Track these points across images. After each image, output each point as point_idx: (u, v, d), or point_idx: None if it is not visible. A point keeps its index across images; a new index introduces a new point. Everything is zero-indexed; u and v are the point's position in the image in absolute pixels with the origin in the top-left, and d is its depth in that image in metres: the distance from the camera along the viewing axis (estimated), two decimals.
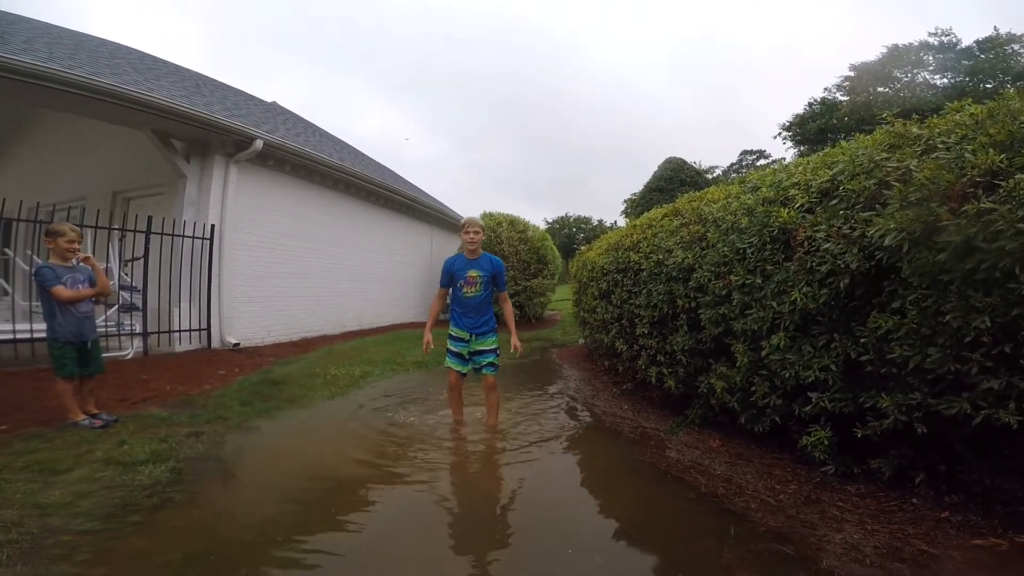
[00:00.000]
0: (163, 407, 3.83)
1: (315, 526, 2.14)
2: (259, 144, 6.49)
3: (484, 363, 3.35)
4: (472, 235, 3.29)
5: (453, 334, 3.41)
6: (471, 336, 3.36)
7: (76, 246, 3.35)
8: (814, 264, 2.31)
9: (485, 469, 2.89)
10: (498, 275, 3.39)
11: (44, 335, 3.50)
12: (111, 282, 4.39)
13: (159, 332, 5.88)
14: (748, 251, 2.74)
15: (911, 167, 2.03)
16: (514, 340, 3.39)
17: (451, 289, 3.46)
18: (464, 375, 3.42)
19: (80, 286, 3.33)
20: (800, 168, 2.83)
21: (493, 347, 3.37)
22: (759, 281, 2.64)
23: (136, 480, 2.48)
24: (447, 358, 3.43)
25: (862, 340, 2.15)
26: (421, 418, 3.73)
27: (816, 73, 79.03)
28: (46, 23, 7.17)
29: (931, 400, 1.93)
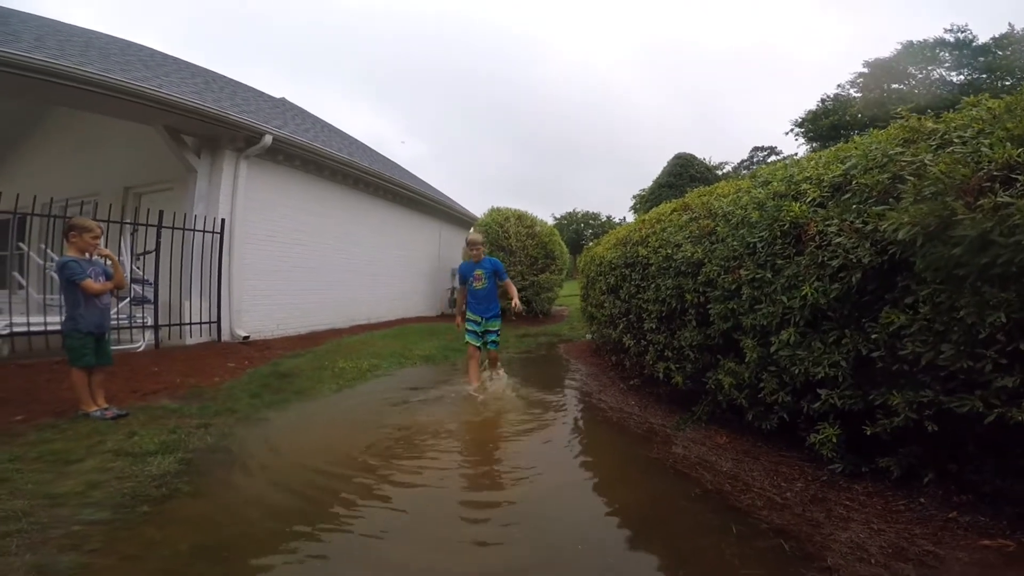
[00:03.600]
0: (173, 399, 3.88)
1: (322, 517, 2.16)
2: (268, 139, 6.51)
3: (490, 340, 4.51)
4: (474, 254, 4.45)
5: (470, 318, 4.51)
6: (482, 319, 4.46)
7: (99, 242, 3.53)
8: (825, 258, 2.28)
9: (492, 464, 2.89)
10: (498, 270, 4.54)
11: (59, 327, 3.58)
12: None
13: (170, 325, 5.94)
14: (758, 245, 2.71)
15: (926, 161, 1.99)
16: (515, 300, 4.39)
17: (467, 285, 4.57)
18: (479, 348, 4.46)
19: (100, 279, 3.48)
20: (812, 163, 2.79)
21: (497, 328, 4.53)
22: (769, 275, 2.61)
23: (146, 471, 2.51)
24: (466, 335, 4.48)
25: (873, 336, 2.11)
26: (427, 410, 3.75)
27: (807, 73, 77.91)
28: (56, 20, 7.24)
29: (943, 398, 1.89)
